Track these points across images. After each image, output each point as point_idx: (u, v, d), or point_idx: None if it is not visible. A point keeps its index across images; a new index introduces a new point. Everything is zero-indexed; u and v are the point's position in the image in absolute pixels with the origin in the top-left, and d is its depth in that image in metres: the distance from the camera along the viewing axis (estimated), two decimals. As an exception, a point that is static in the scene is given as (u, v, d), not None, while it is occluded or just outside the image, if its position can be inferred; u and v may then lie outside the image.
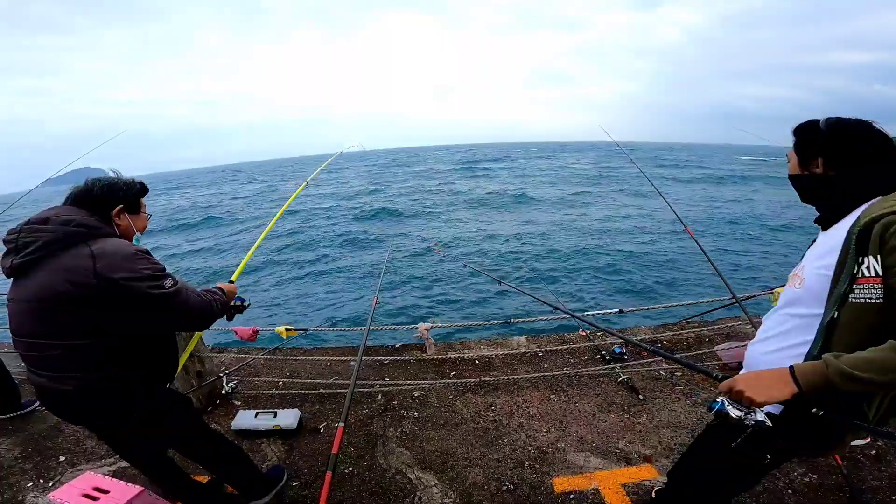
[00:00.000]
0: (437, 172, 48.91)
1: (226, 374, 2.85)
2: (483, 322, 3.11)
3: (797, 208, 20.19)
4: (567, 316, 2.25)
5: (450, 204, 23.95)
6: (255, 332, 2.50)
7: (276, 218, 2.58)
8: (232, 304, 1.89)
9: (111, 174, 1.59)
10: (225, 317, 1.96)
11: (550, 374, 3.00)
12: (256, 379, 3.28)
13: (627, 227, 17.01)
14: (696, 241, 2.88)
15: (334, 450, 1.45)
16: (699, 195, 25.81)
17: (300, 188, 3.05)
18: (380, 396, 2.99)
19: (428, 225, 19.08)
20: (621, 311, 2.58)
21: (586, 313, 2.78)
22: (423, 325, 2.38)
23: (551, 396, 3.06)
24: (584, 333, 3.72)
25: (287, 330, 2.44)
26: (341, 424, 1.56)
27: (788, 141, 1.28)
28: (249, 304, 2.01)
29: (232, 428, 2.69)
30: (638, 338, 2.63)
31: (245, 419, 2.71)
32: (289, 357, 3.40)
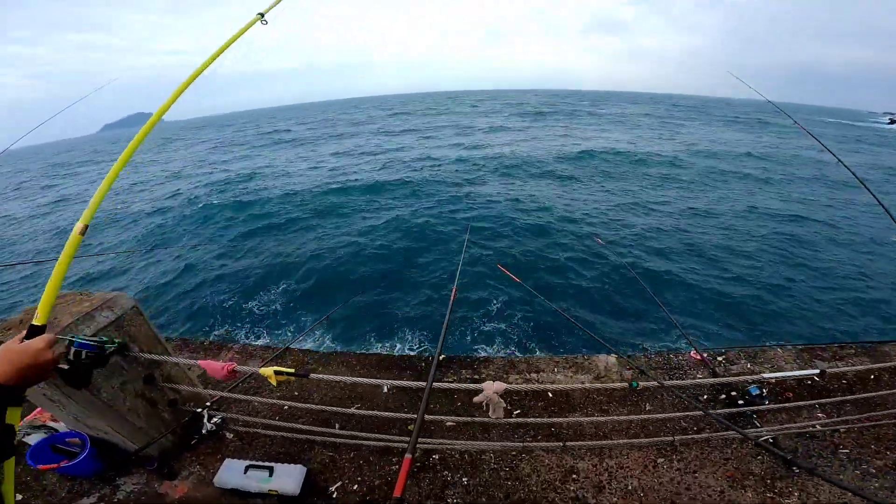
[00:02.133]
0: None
1: (208, 406, 2.08)
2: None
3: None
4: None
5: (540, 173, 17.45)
6: (233, 371, 1.66)
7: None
8: (67, 363, 1.33)
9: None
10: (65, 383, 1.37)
11: (670, 438, 2.03)
12: (252, 409, 2.49)
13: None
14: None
15: (397, 492, 0.85)
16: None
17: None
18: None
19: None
20: (822, 373, 1.49)
21: (769, 374, 1.71)
22: (492, 387, 1.44)
23: (658, 461, 2.13)
24: (697, 357, 2.68)
25: (278, 373, 1.58)
26: (409, 456, 0.99)
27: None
28: (115, 346, 1.48)
29: (215, 483, 1.96)
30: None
31: (231, 474, 1.96)
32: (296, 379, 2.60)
